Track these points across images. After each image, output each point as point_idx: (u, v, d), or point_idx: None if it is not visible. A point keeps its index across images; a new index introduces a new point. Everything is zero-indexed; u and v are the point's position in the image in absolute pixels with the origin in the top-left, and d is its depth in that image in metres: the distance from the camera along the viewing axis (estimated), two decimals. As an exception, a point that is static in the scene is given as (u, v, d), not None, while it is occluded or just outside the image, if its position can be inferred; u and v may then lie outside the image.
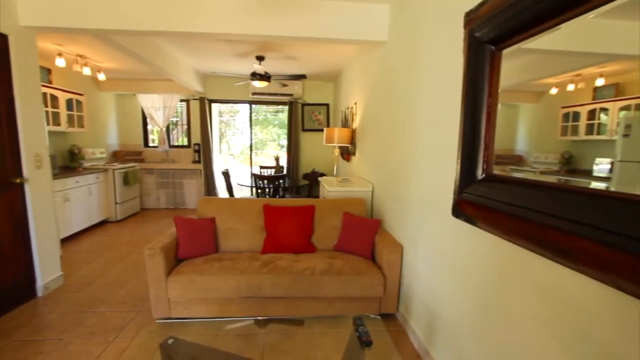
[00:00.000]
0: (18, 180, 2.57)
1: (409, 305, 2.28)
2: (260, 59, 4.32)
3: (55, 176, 3.78)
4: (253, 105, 6.53)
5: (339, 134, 3.71)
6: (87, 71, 4.34)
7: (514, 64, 1.24)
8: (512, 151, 1.31)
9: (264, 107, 6.94)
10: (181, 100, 6.29)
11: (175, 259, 2.45)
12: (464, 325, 1.59)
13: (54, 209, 2.98)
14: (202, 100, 6.02)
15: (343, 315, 2.39)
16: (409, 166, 2.29)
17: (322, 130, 6.12)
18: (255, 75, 4.29)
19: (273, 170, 5.57)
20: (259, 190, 4.50)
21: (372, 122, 3.30)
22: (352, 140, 4.00)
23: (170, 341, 1.37)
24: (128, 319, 2.41)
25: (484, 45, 1.30)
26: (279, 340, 2.19)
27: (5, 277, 2.49)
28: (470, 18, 1.38)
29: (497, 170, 1.32)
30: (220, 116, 6.91)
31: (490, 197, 1.26)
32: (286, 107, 6.33)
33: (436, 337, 1.89)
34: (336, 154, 4.15)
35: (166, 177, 6.14)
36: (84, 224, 4.51)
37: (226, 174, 4.96)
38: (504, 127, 1.30)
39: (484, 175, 1.36)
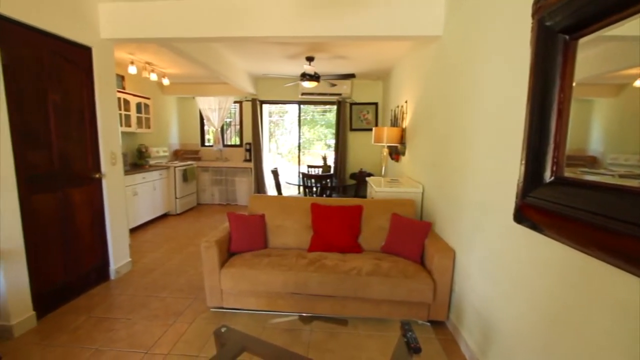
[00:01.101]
0: (97, 176, 2.90)
1: (461, 313, 2.16)
2: (310, 59, 4.38)
3: (126, 172, 4.20)
4: (302, 106, 6.66)
5: (388, 134, 3.63)
6: (153, 77, 4.76)
7: (587, 54, 1.11)
8: (583, 152, 1.17)
9: (312, 107, 7.04)
10: (235, 102, 6.63)
11: (228, 253, 2.59)
12: (525, 339, 1.46)
13: (125, 202, 3.32)
14: (253, 101, 6.29)
15: (389, 319, 2.34)
16: (464, 167, 2.17)
17: (370, 129, 6.04)
18: (304, 76, 4.37)
19: (320, 169, 5.63)
20: (307, 189, 4.57)
21: (423, 120, 3.18)
22: (402, 139, 3.89)
23: (223, 329, 1.45)
24: (186, 305, 2.60)
25: (556, 35, 1.18)
26: (323, 338, 2.21)
27: (87, 261, 2.83)
28: (540, 6, 1.26)
29: (568, 173, 1.19)
30: (270, 116, 7.15)
31: (561, 202, 1.14)
32: (334, 107, 6.36)
33: (491, 350, 1.76)
34: (385, 153, 4.06)
35: (220, 175, 6.50)
36: (148, 216, 4.95)
37: (275, 173, 5.12)
38: (574, 125, 1.16)
39: (552, 177, 1.23)
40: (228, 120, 6.88)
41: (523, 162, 1.35)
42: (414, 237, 2.49)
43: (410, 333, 1.47)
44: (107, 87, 2.96)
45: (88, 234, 2.84)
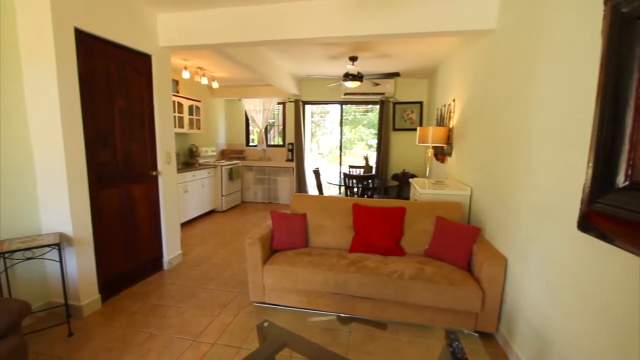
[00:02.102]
0: (154, 173, 3.14)
1: (513, 326, 2.01)
2: (353, 59, 4.36)
3: (178, 170, 4.49)
4: (344, 106, 6.65)
5: (433, 133, 3.50)
6: (204, 81, 5.05)
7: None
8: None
9: (353, 107, 7.00)
10: (278, 103, 6.80)
11: (270, 250, 2.66)
12: (590, 362, 1.32)
13: (177, 198, 3.55)
14: (297, 102, 6.40)
15: (432, 326, 2.25)
16: (519, 168, 2.02)
17: (414, 129, 5.87)
18: (347, 76, 4.35)
19: (362, 169, 5.58)
20: (348, 190, 4.55)
21: (473, 119, 3.01)
22: (449, 139, 3.72)
23: (265, 324, 1.49)
24: (230, 298, 2.72)
25: (635, 21, 1.05)
26: (362, 340, 2.19)
27: (144, 251, 3.07)
28: (614, -10, 1.13)
29: (646, 177, 1.05)
30: (312, 117, 7.23)
31: (637, 210, 1.01)
32: (376, 107, 6.26)
33: (548, 370, 1.62)
34: (429, 154, 3.92)
35: (263, 174, 6.71)
36: (197, 212, 5.26)
37: (317, 173, 5.16)
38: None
39: (627, 182, 1.10)
40: (272, 121, 7.08)
41: (590, 164, 1.22)
42: (461, 242, 2.37)
43: (456, 343, 1.40)
44: (164, 92, 3.19)
45: (146, 227, 3.09)
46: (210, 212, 5.76)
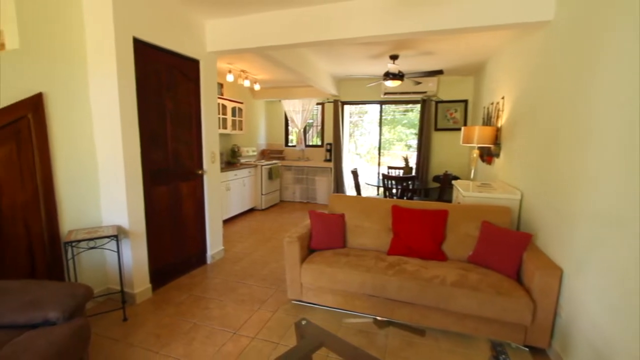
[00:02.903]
0: (200, 172, 3.32)
1: (568, 344, 1.85)
2: (394, 58, 4.27)
3: (221, 170, 4.69)
4: (383, 105, 6.54)
5: (479, 133, 3.32)
6: (247, 83, 5.24)
7: None
8: None
9: (393, 106, 6.85)
10: (317, 104, 6.86)
11: (308, 249, 2.69)
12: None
13: (220, 196, 3.72)
14: (335, 102, 6.41)
15: (475, 336, 2.13)
16: (577, 172, 1.85)
17: (457, 129, 5.62)
18: (388, 75, 4.27)
19: (402, 170, 5.45)
20: (387, 191, 4.47)
21: (525, 118, 2.81)
22: (496, 140, 3.51)
23: (303, 322, 1.51)
24: (269, 294, 2.79)
25: None
26: (400, 345, 2.13)
27: (191, 246, 3.25)
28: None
29: None
30: (350, 117, 7.20)
31: None
32: (416, 106, 6.08)
33: (611, 394, 1.46)
34: (475, 155, 3.72)
35: (301, 174, 6.81)
36: (238, 209, 5.46)
37: (355, 173, 5.13)
38: None
39: None
40: (310, 121, 7.16)
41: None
42: (509, 249, 2.22)
43: (503, 356, 1.32)
44: (210, 95, 3.36)
45: (191, 223, 3.27)
46: (250, 210, 5.96)
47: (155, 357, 1.99)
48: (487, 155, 3.98)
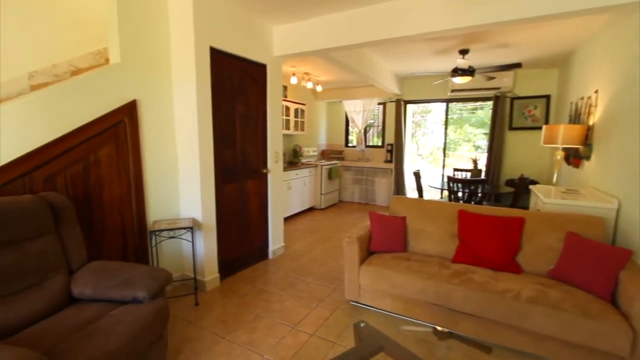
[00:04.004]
0: (264, 171, 3.49)
1: (682, 385, 1.53)
2: (463, 52, 4.01)
3: (284, 169, 4.87)
4: (449, 104, 6.17)
5: (565, 133, 2.93)
6: (309, 85, 5.37)
7: None
8: None
9: (460, 104, 6.41)
10: (378, 104, 6.75)
11: (367, 251, 2.65)
12: None
13: (283, 194, 3.87)
14: (398, 102, 6.23)
15: (555, 361, 1.89)
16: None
17: (537, 128, 5.06)
18: (456, 71, 4.02)
19: (469, 173, 5.08)
20: (452, 194, 4.21)
21: (625, 115, 2.41)
22: (587, 140, 3.06)
23: (362, 324, 1.49)
24: (326, 293, 2.82)
25: None
26: (463, 360, 1.99)
27: (254, 240, 3.45)
28: None
29: None
30: (412, 116, 6.93)
31: None
32: (486, 104, 5.61)
33: None
34: (558, 157, 3.29)
35: (360, 175, 6.76)
36: (298, 208, 5.62)
37: (417, 175, 4.93)
38: None
39: None
40: (371, 121, 7.06)
41: None
42: (602, 265, 1.93)
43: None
44: (275, 97, 3.52)
45: (255, 219, 3.46)
46: (310, 209, 6.09)
47: (222, 342, 2.15)
48: (575, 157, 3.50)
